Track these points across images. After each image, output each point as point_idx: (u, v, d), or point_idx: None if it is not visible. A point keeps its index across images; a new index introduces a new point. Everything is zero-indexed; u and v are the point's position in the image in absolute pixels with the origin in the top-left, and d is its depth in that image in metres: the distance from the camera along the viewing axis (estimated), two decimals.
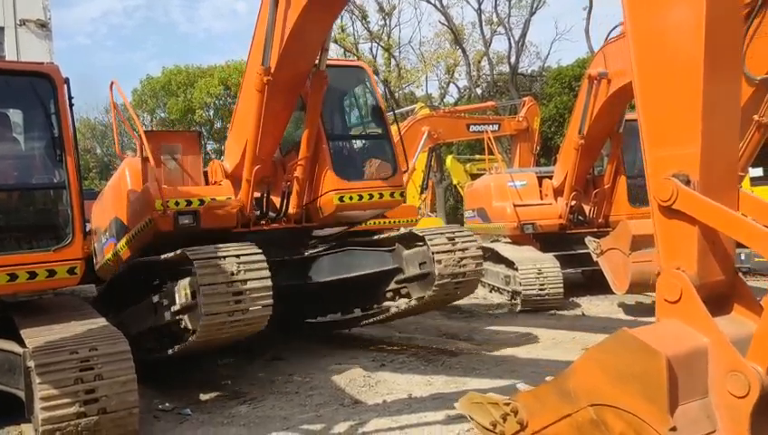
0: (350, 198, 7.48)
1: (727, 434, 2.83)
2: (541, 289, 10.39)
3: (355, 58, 37.06)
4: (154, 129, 47.27)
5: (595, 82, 9.73)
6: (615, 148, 11.04)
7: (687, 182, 3.07)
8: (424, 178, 17.99)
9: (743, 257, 13.73)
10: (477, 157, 23.70)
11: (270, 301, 5.96)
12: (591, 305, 10.79)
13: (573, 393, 3.22)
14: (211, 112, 45.55)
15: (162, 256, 6.35)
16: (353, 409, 5.82)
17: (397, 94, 35.92)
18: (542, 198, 12.04)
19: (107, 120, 44.35)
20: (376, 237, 8.10)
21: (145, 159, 7.05)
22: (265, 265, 5.95)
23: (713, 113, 3.04)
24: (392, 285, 7.78)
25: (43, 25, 14.73)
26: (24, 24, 14.35)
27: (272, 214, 7.79)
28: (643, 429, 2.88)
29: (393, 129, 8.28)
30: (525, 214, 11.62)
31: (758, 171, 13.26)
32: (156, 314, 6.72)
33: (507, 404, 3.61)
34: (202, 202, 7.05)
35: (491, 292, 12.16)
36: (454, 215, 31.64)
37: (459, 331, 9.37)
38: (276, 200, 7.81)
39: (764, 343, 2.83)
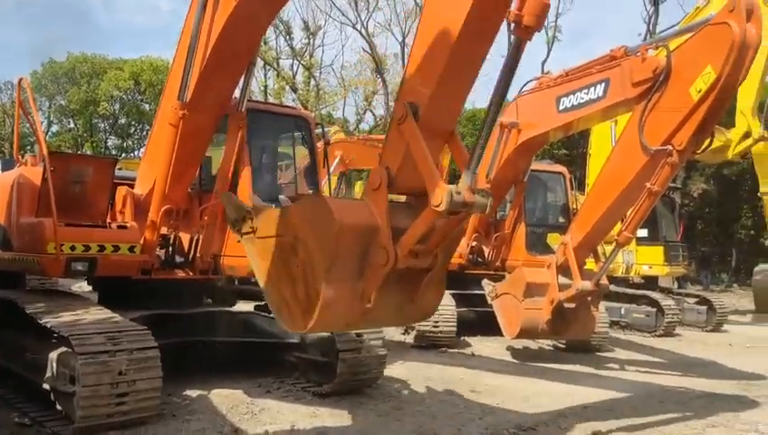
0: None
1: (365, 283, 3.93)
2: (434, 326, 10.50)
3: (282, 79, 36.74)
4: (51, 116, 44.61)
5: (506, 130, 10.06)
6: (518, 195, 11.42)
7: (416, 111, 3.89)
8: None
9: (622, 312, 14.57)
10: None
11: (157, 402, 5.66)
12: (482, 346, 11.02)
13: (286, 223, 4.17)
14: (117, 107, 43.56)
15: (44, 321, 5.70)
16: None
17: (313, 114, 35.84)
18: None
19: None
20: None
21: (45, 181, 6.29)
22: (158, 361, 5.55)
23: (451, 75, 3.89)
24: (291, 358, 7.52)
25: None
26: None
27: (178, 258, 7.37)
28: (313, 264, 3.89)
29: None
30: None
31: (643, 232, 14.15)
32: (23, 361, 6.20)
33: (249, 212, 4.56)
34: (102, 248, 6.41)
35: None
36: None
37: None
38: (186, 239, 7.40)
39: (407, 240, 3.89)
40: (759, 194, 18.33)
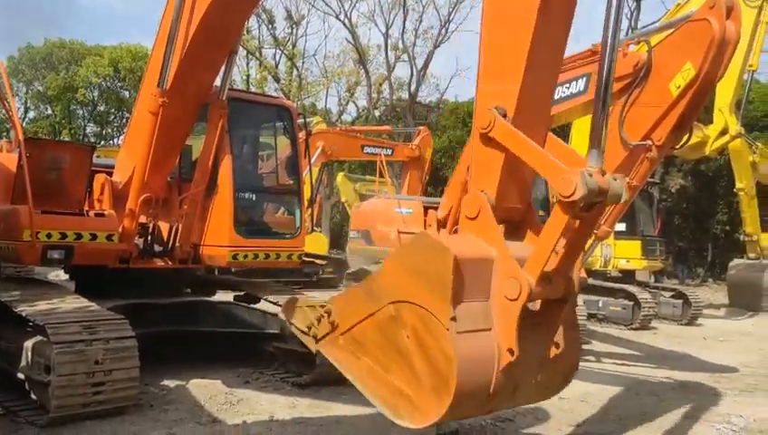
0: (245, 256, 7.22)
1: (500, 331, 3.19)
2: None
3: (265, 69, 36.46)
4: (28, 102, 43.81)
5: None
6: None
7: (504, 115, 3.43)
8: (313, 192, 17.87)
9: (600, 305, 14.72)
10: (368, 178, 23.88)
11: (134, 392, 5.62)
12: None
13: (377, 293, 3.43)
14: (96, 93, 42.90)
15: (20, 310, 5.63)
16: (210, 428, 5.55)
17: (295, 104, 35.63)
18: (425, 228, 12.25)
19: None
20: (265, 298, 7.50)
21: (21, 167, 6.22)
22: (135, 351, 5.50)
23: (536, 60, 3.42)
24: (270, 348, 7.48)
25: None
26: None
27: (157, 247, 7.30)
28: (430, 320, 3.13)
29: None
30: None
31: (621, 226, 14.28)
32: None
33: (323, 307, 3.82)
34: (79, 236, 6.31)
35: None
36: (339, 232, 31.64)
37: None
38: (165, 228, 7.32)
39: (537, 259, 3.20)
40: (735, 190, 18.61)
